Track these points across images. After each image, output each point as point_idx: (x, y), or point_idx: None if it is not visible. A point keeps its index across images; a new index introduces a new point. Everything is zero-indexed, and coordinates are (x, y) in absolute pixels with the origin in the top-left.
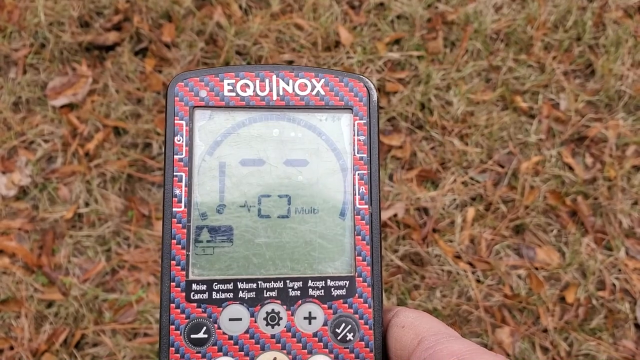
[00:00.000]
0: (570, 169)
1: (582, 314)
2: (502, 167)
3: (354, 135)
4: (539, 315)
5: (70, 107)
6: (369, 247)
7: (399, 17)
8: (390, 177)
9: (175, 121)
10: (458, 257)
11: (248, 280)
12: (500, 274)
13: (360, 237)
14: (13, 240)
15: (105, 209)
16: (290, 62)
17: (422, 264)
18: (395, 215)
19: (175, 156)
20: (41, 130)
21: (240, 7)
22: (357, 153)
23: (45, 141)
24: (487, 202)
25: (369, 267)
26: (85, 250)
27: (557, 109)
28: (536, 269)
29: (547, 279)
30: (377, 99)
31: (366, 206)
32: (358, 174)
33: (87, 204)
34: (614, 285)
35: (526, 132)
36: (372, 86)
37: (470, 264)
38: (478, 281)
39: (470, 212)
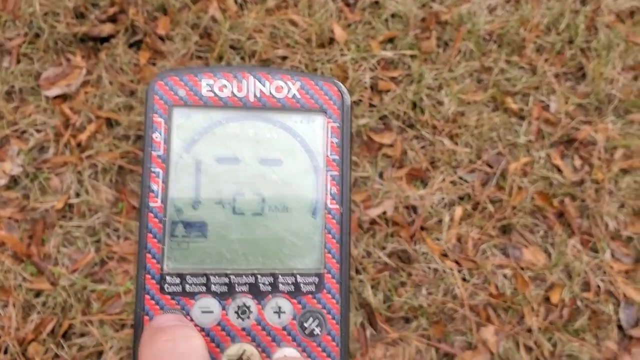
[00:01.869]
0: (559, 170)
1: (566, 315)
2: (491, 167)
3: (327, 138)
4: (524, 315)
5: (64, 97)
6: (338, 245)
7: (393, 15)
8: (381, 175)
9: (154, 119)
10: (445, 255)
11: (220, 274)
12: (486, 273)
13: (330, 235)
14: (3, 229)
15: (95, 200)
16: (284, 58)
17: (409, 262)
18: (384, 213)
19: (153, 152)
20: (34, 120)
21: (236, 1)
22: (330, 155)
23: (38, 131)
24: (475, 201)
25: (338, 265)
26: (75, 241)
27: (547, 111)
28: (522, 269)
29: (533, 279)
30: (350, 102)
31: (337, 206)
32: (330, 175)
33: (77, 195)
34: (598, 287)
35: (516, 133)
36: (345, 90)
37: (457, 263)
38: (464, 280)
39: (458, 211)
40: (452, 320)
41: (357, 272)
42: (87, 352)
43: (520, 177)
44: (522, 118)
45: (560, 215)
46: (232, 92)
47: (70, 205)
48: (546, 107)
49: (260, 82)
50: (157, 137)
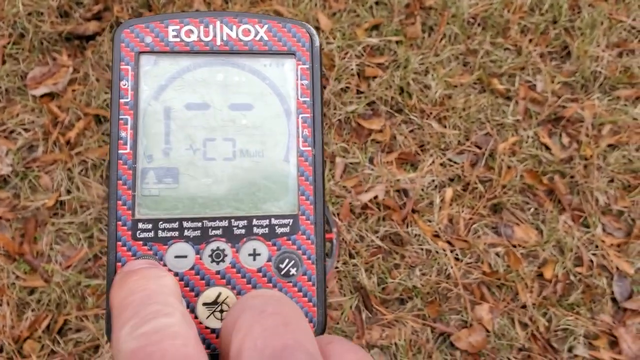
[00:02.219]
0: (547, 148)
1: (560, 290)
2: (480, 148)
3: (297, 80)
4: (518, 291)
5: (51, 96)
6: (312, 187)
7: (377, 3)
8: (371, 161)
9: (121, 66)
10: (437, 236)
11: (193, 220)
12: (479, 252)
13: (303, 177)
14: None
15: (86, 196)
16: None
17: (402, 244)
18: (375, 198)
19: (120, 100)
20: (22, 119)
21: None
22: (301, 97)
23: (26, 130)
24: (465, 182)
25: (312, 206)
26: (67, 237)
27: (534, 91)
28: (514, 246)
29: (525, 256)
30: (320, 44)
31: (309, 148)
32: (301, 118)
33: (68, 192)
34: (591, 261)
35: (503, 113)
36: (314, 32)
37: (449, 243)
38: (457, 259)
39: (449, 192)
40: (447, 299)
41: (351, 256)
42: (84, 347)
43: (509, 156)
44: (509, 98)
45: (550, 192)
46: (199, 37)
47: (62, 203)
48: (532, 87)
49: (227, 26)
50: (125, 84)
